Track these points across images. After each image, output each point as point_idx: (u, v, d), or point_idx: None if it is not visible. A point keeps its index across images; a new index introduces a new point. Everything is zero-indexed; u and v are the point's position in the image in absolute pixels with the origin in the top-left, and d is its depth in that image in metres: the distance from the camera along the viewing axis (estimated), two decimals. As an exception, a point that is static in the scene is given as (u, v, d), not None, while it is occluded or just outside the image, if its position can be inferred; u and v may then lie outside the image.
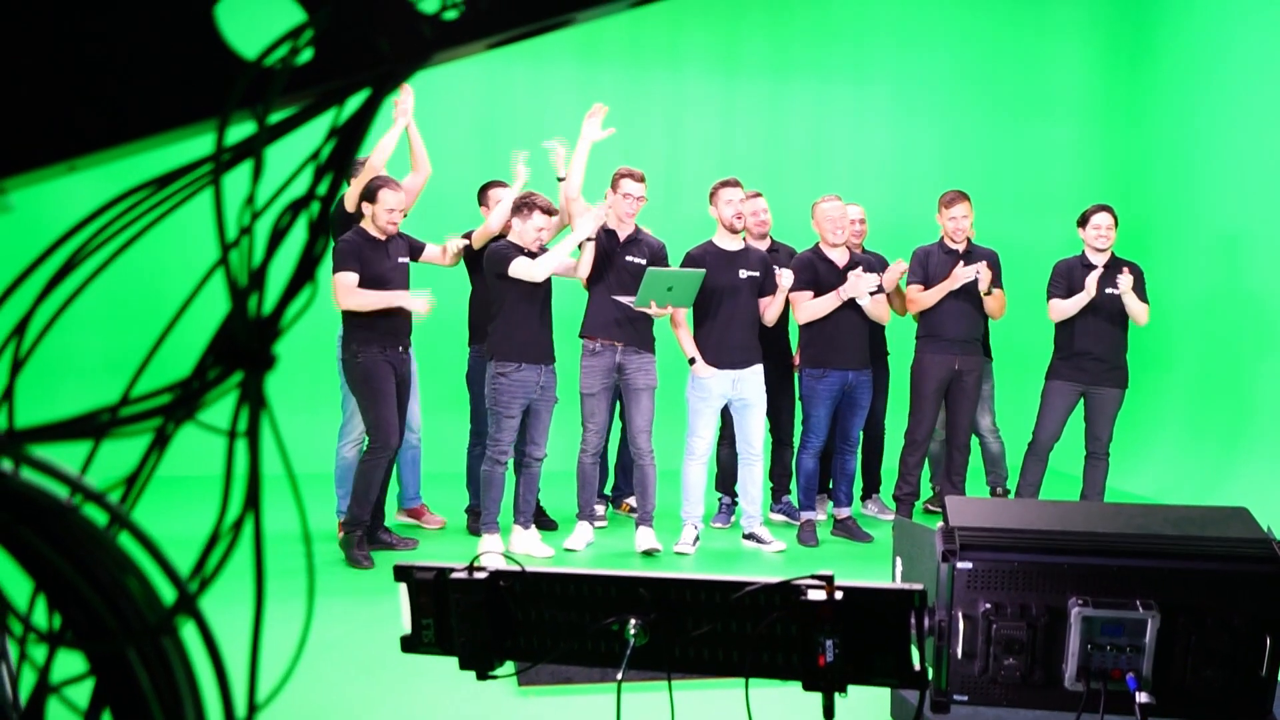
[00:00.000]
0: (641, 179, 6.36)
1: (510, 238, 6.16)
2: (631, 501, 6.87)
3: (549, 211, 6.15)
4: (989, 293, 6.81)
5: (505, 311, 6.10)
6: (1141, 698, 3.20)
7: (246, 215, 1.01)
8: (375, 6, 1.10)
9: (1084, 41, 9.95)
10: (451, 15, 1.14)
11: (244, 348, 1.01)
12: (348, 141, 1.08)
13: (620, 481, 7.32)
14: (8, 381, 1.07)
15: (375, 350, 5.90)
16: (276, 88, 1.04)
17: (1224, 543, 3.35)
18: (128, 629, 1.00)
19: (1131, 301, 6.65)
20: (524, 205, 6.11)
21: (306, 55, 1.07)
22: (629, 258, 6.34)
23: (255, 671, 1.02)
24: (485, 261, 6.17)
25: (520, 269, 6.00)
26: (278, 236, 1.05)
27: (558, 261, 6.08)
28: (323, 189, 1.06)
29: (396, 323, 5.99)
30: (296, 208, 1.04)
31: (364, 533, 5.98)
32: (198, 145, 1.12)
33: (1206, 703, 3.33)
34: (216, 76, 1.05)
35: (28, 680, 1.05)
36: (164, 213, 1.08)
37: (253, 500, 1.03)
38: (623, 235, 6.39)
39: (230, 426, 1.03)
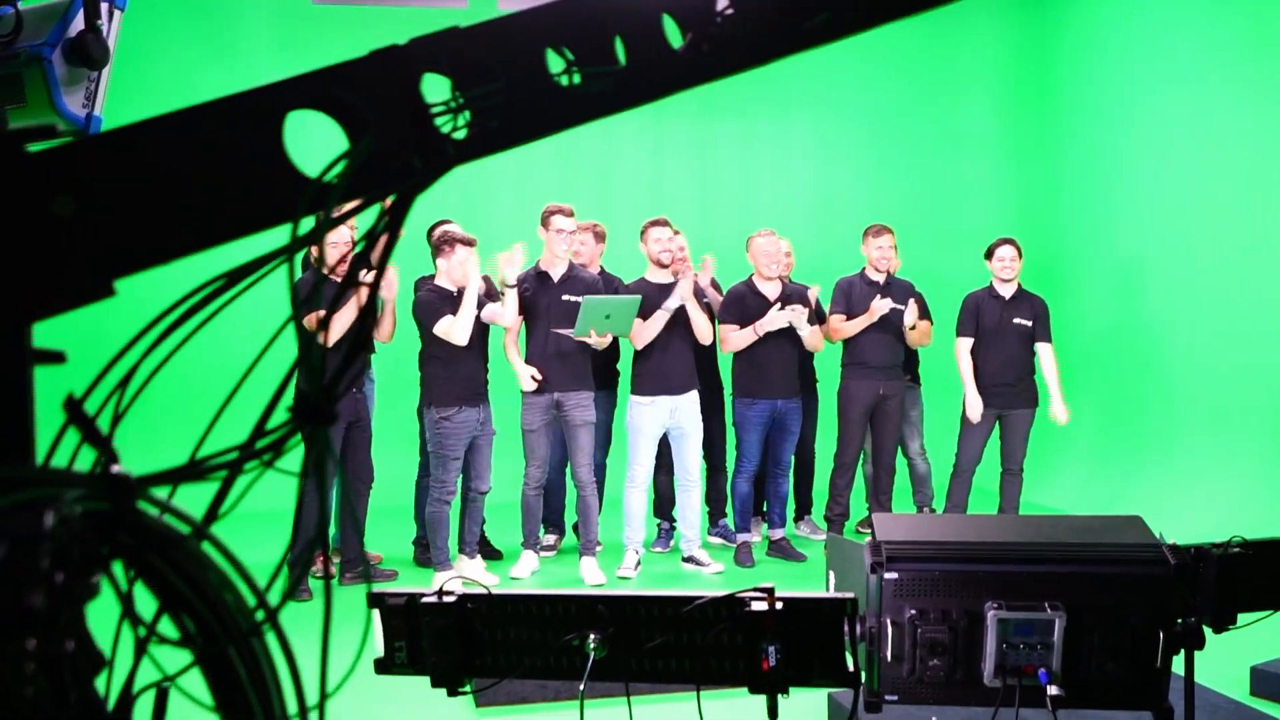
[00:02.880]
0: (572, 214, 6.40)
1: (439, 280, 6.20)
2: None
3: (468, 243, 6.17)
4: (913, 327, 7.06)
5: (441, 358, 6.16)
6: (1052, 690, 3.34)
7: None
8: (407, 132, 1.35)
9: (995, 83, 10.25)
10: (460, 135, 1.39)
11: (314, 407, 1.25)
12: (390, 240, 1.34)
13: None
14: (109, 430, 1.29)
15: None
16: (333, 199, 1.29)
17: (1121, 548, 3.52)
18: (227, 632, 1.23)
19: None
20: (444, 243, 6.15)
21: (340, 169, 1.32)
22: (565, 296, 6.37)
23: (325, 667, 1.27)
24: (414, 311, 6.19)
25: (443, 329, 6.05)
26: (330, 314, 1.31)
27: (471, 320, 6.07)
28: (369, 278, 1.31)
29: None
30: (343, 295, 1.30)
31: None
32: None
33: (1109, 693, 3.48)
34: (288, 190, 1.29)
35: (144, 676, 1.27)
36: (239, 292, 1.32)
37: (322, 531, 1.27)
38: (556, 275, 6.44)
39: (301, 468, 1.29)
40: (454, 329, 6.05)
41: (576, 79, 1.45)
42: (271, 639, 1.29)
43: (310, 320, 5.69)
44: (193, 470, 1.23)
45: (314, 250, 6.17)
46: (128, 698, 1.28)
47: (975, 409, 6.97)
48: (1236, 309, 7.40)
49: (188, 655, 1.25)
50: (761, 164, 9.87)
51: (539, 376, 6.26)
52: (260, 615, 1.26)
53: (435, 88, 1.38)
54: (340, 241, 5.93)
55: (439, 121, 1.37)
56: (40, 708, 1.00)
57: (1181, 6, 8.01)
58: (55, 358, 1.27)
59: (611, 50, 1.47)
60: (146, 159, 1.25)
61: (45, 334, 1.26)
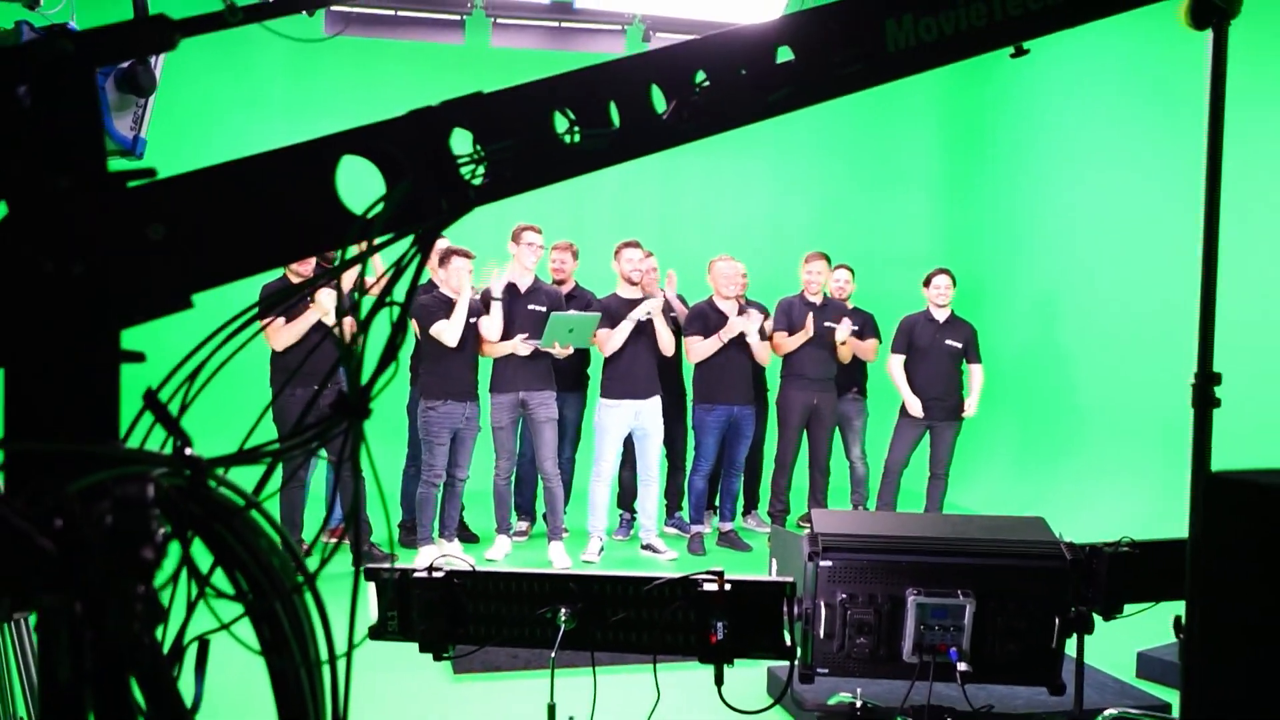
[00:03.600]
0: (539, 231, 6.44)
1: (441, 289, 6.24)
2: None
3: (466, 255, 6.22)
4: (843, 343, 7.10)
5: (433, 356, 6.20)
6: (961, 667, 3.46)
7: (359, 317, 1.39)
8: (436, 179, 1.47)
9: (933, 129, 10.28)
10: (479, 182, 1.51)
11: (353, 406, 1.37)
12: (420, 268, 1.46)
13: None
14: (177, 413, 1.39)
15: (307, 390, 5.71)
16: (375, 232, 1.42)
17: (1024, 545, 3.64)
18: (275, 590, 1.34)
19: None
20: (445, 255, 6.19)
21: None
22: (530, 306, 6.39)
23: (353, 623, 1.39)
24: (413, 313, 6.13)
25: (436, 330, 6.08)
26: (364, 325, 1.43)
27: (461, 324, 6.12)
28: (400, 297, 1.43)
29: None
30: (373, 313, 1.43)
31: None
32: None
33: (1011, 670, 3.58)
34: (337, 223, 1.41)
35: (199, 625, 1.37)
36: (289, 305, 1.44)
37: (354, 512, 1.38)
38: (523, 286, 6.44)
39: (340, 455, 1.40)
40: (445, 332, 6.09)
41: (577, 137, 1.57)
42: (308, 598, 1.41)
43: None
44: (251, 455, 1.34)
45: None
46: (178, 646, 1.38)
47: (916, 406, 7.06)
48: (1137, 335, 7.49)
49: (238, 608, 1.35)
50: (722, 194, 9.85)
51: (531, 340, 6.27)
52: (300, 578, 1.38)
53: (460, 142, 1.51)
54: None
55: (463, 170, 1.49)
56: (139, 643, 1.11)
57: (1094, 69, 8.16)
58: (136, 357, 1.37)
59: (607, 114, 1.59)
60: (224, 196, 1.36)
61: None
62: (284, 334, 5.85)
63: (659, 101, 1.64)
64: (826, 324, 7.11)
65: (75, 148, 1.27)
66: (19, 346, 1.26)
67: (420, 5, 6.91)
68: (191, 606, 1.37)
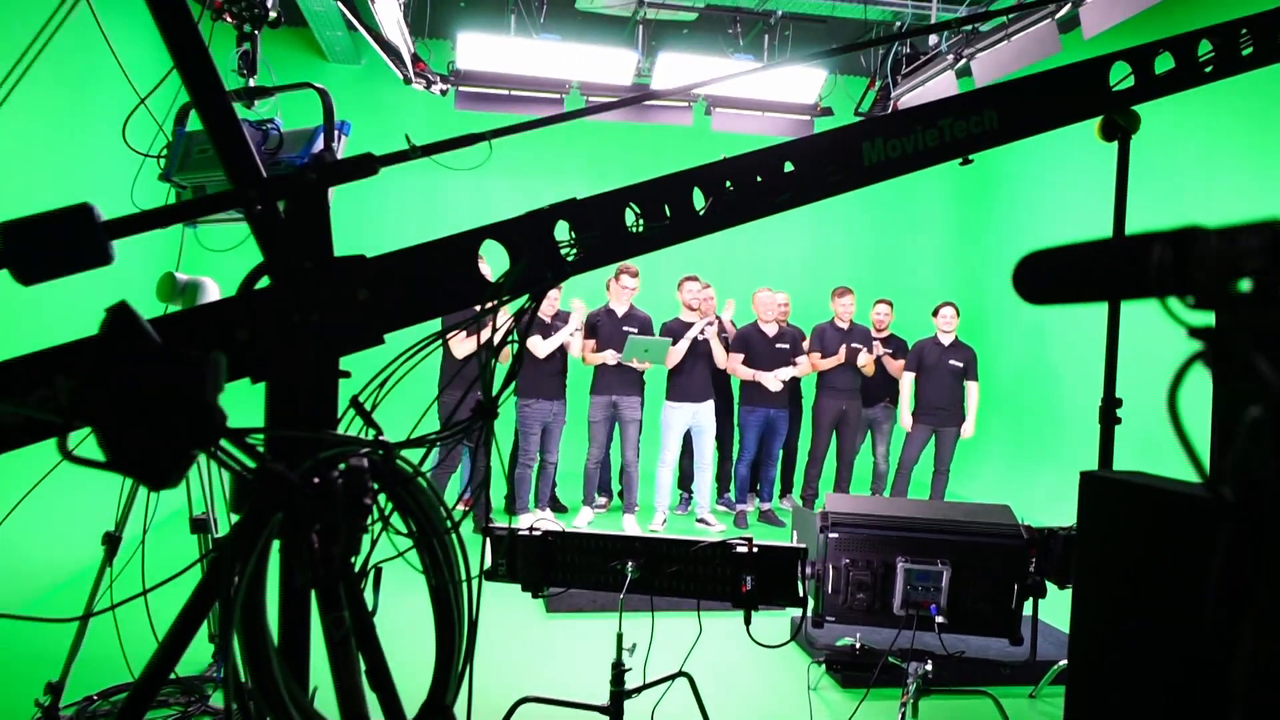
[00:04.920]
0: (636, 274, 6.69)
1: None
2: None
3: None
4: (864, 365, 7.17)
5: (529, 363, 6.33)
6: (939, 620, 3.58)
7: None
8: (544, 257, 1.78)
9: (946, 180, 9.99)
10: (572, 258, 1.82)
11: (486, 410, 1.70)
12: (533, 314, 1.77)
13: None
14: (371, 406, 1.71)
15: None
16: (504, 292, 1.74)
17: (991, 525, 3.73)
18: (434, 531, 1.66)
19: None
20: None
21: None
22: (625, 328, 6.61)
23: (482, 562, 1.71)
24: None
25: (531, 344, 6.22)
26: (495, 353, 1.75)
27: (553, 347, 6.35)
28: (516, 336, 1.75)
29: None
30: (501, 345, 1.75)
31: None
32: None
33: (979, 624, 3.64)
34: (477, 288, 1.74)
35: (378, 555, 1.68)
36: (451, 334, 1.77)
37: (485, 481, 1.70)
38: (620, 313, 6.69)
39: (475, 444, 1.73)
40: (538, 348, 6.31)
41: (641, 227, 1.88)
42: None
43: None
44: (420, 441, 1.67)
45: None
46: (363, 571, 1.71)
47: (906, 421, 7.15)
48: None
49: (408, 542, 1.67)
50: (769, 235, 9.81)
51: (616, 354, 6.45)
52: (449, 524, 1.70)
53: (561, 229, 1.81)
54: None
55: (562, 251, 1.80)
56: (352, 567, 1.45)
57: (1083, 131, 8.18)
58: (345, 374, 1.71)
59: (663, 210, 1.89)
60: (405, 271, 1.68)
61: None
62: (462, 346, 6.02)
63: (699, 200, 1.93)
64: (853, 345, 7.19)
65: (314, 241, 1.60)
66: (276, 369, 1.60)
67: (530, 87, 7.22)
68: (374, 542, 1.70)
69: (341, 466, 1.45)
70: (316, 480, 1.36)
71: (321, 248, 1.61)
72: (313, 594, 1.54)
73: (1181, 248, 0.61)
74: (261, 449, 1.39)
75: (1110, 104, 2.27)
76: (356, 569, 1.64)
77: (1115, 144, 2.34)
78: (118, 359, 1.08)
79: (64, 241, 1.44)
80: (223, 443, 1.26)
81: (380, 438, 1.61)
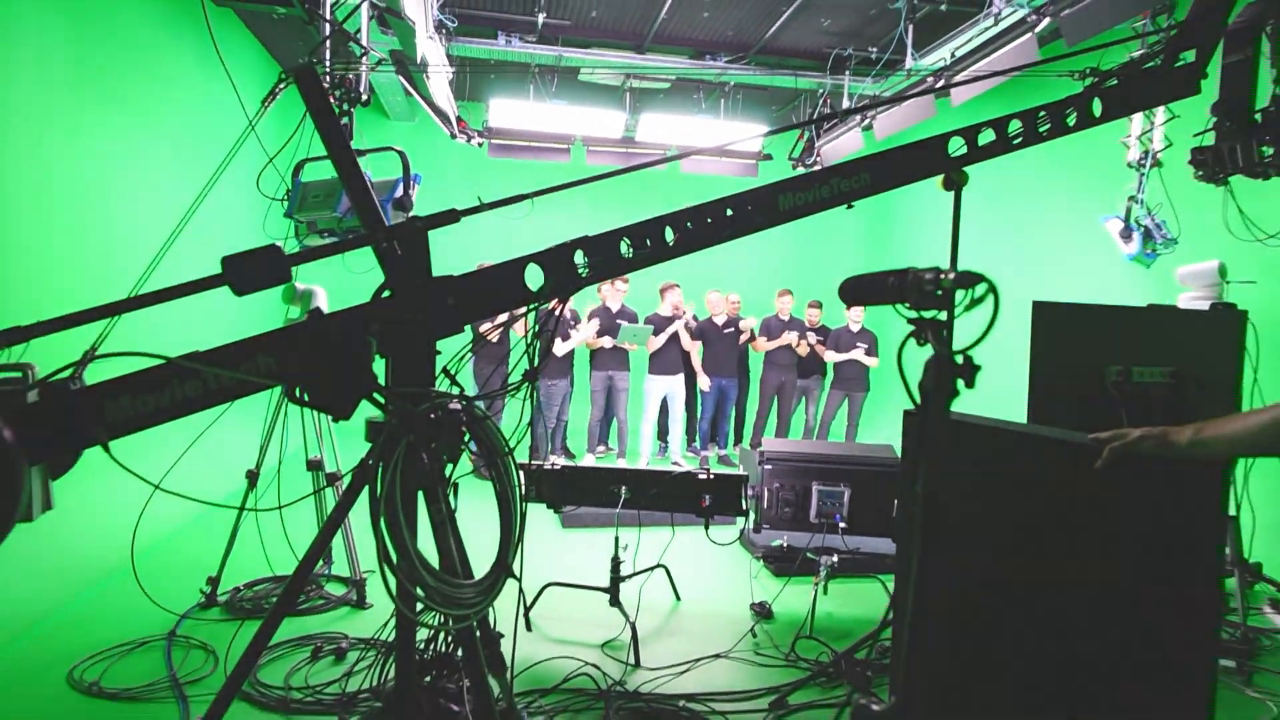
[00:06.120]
0: (626, 281, 6.76)
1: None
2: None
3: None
4: (796, 346, 7.31)
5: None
6: (842, 526, 3.84)
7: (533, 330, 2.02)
8: (567, 276, 2.07)
9: (859, 211, 10.30)
10: (585, 274, 2.11)
11: (531, 372, 2.01)
12: (559, 317, 2.08)
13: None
14: (455, 374, 2.01)
15: None
16: (541, 298, 2.05)
17: (878, 459, 3.98)
18: (499, 454, 1.97)
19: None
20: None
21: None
22: (618, 320, 6.76)
23: (523, 492, 2.02)
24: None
25: (554, 349, 6.28)
26: (536, 338, 2.06)
27: (569, 349, 6.51)
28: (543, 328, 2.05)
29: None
30: (541, 331, 2.05)
31: None
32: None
33: (869, 528, 3.88)
34: (524, 294, 2.04)
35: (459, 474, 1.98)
36: (511, 325, 2.07)
37: (535, 431, 2.00)
38: (615, 310, 6.84)
39: (524, 399, 2.04)
40: (558, 348, 6.43)
41: (630, 253, 2.17)
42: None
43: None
44: (486, 394, 1.99)
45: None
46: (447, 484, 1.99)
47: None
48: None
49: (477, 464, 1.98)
50: (725, 249, 9.86)
51: (612, 339, 6.57)
52: (507, 449, 2.01)
53: (579, 255, 2.10)
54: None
55: (580, 271, 2.10)
56: (447, 477, 1.76)
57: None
58: (436, 351, 2.00)
59: (645, 242, 2.18)
60: (479, 283, 1.97)
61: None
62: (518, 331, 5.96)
63: (669, 235, 2.23)
64: (791, 332, 7.36)
65: (419, 266, 1.90)
66: (397, 349, 1.90)
67: (545, 140, 7.44)
68: (455, 462, 1.99)
69: (441, 411, 1.77)
70: (431, 417, 1.68)
71: (424, 270, 1.92)
72: (419, 494, 1.85)
73: (903, 277, 0.94)
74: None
75: (948, 166, 2.58)
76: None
77: (952, 193, 2.64)
78: (321, 341, 1.40)
79: (262, 266, 1.74)
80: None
81: (462, 393, 1.91)
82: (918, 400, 0.94)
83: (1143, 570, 1.38)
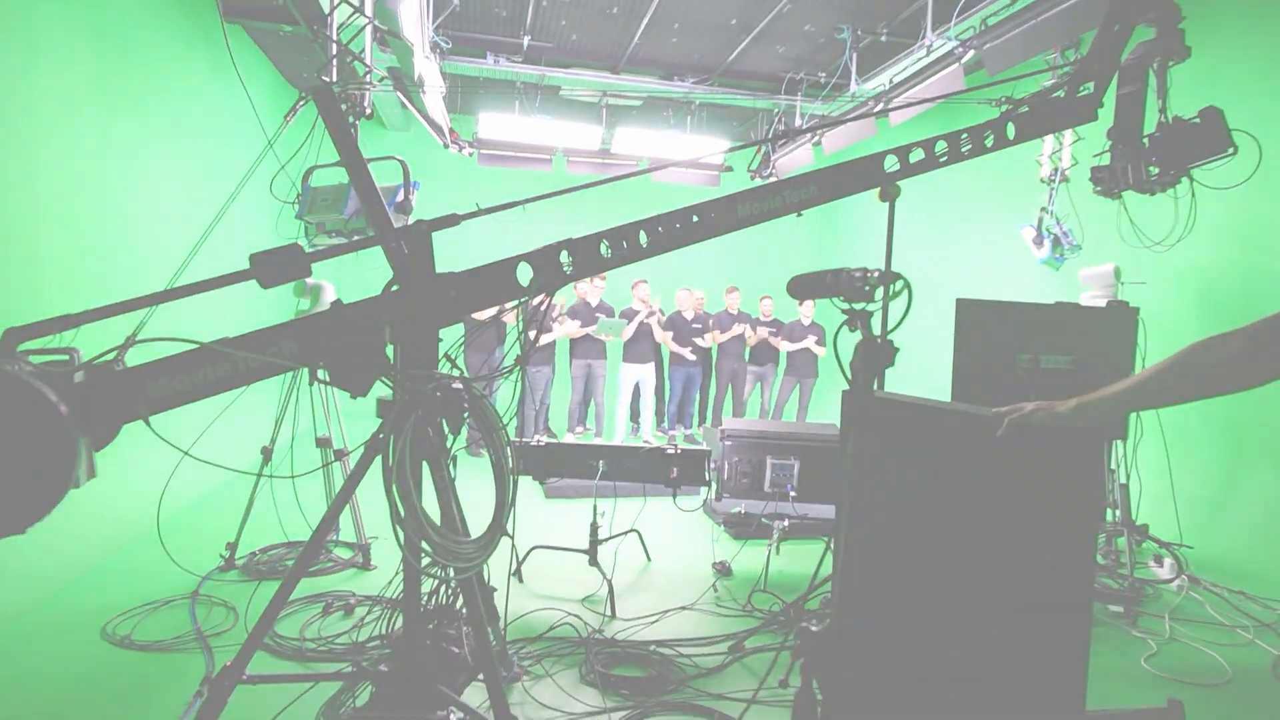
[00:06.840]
0: (604, 278, 6.74)
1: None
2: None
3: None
4: (747, 337, 7.39)
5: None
6: (793, 495, 3.86)
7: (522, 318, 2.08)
8: (553, 272, 2.14)
9: (809, 217, 10.40)
10: (569, 271, 2.16)
11: (522, 358, 2.08)
12: (548, 304, 2.14)
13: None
14: (456, 358, 2.07)
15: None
16: (530, 292, 2.11)
17: (824, 436, 4.00)
18: (495, 428, 2.03)
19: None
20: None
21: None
22: (596, 314, 6.79)
23: (514, 464, 2.09)
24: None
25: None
26: (527, 328, 2.12)
27: (552, 339, 6.50)
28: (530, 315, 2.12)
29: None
30: (530, 317, 2.11)
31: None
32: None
33: (817, 496, 3.87)
34: (515, 289, 2.09)
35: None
36: (510, 311, 2.13)
37: (520, 409, 2.07)
38: (593, 304, 6.87)
39: (516, 382, 2.11)
40: (543, 338, 6.42)
41: (609, 252, 2.24)
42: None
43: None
44: (484, 377, 2.05)
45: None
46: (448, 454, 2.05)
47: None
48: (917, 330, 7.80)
49: (477, 434, 2.04)
50: (694, 250, 9.81)
51: (580, 327, 6.59)
52: (501, 424, 2.07)
53: (564, 256, 2.16)
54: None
55: (565, 269, 2.16)
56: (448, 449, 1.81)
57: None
58: (438, 339, 2.05)
59: (622, 244, 2.24)
60: (477, 278, 2.01)
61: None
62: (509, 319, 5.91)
63: (643, 238, 2.29)
64: (741, 324, 7.42)
65: (424, 264, 1.95)
66: (405, 336, 1.94)
67: (529, 150, 7.44)
68: (455, 434, 2.05)
69: (444, 390, 1.82)
70: (437, 394, 1.74)
71: (429, 267, 1.97)
72: (424, 463, 1.90)
73: (838, 275, 1.04)
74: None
75: (884, 180, 2.68)
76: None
77: (887, 204, 2.72)
78: (341, 328, 1.46)
79: (285, 263, 1.79)
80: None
81: (463, 375, 1.97)
82: (849, 375, 1.04)
83: (1035, 520, 1.47)
